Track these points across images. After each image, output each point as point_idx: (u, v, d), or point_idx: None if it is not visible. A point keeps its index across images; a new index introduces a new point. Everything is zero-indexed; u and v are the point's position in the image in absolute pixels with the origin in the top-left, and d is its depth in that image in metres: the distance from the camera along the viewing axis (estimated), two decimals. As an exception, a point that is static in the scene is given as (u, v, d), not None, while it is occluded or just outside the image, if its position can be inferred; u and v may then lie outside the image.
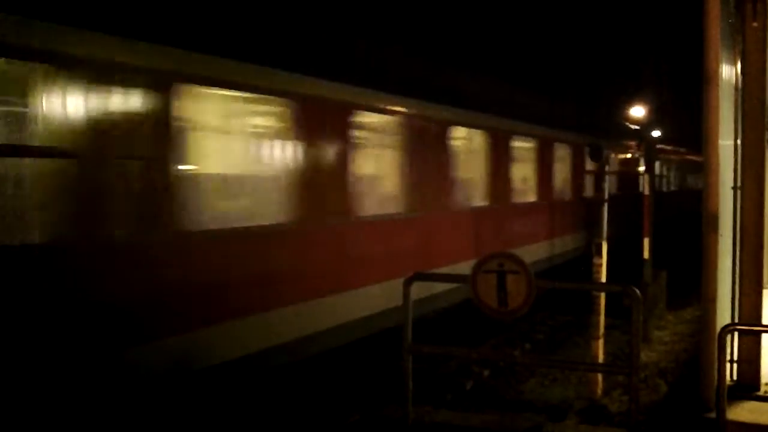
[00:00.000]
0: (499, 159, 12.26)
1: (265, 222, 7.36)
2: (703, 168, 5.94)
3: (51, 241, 5.36)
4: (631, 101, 24.76)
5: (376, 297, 8.74)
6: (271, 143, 7.98)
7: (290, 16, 9.99)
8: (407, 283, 5.52)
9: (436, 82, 12.70)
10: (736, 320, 6.26)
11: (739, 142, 6.42)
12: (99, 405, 5.54)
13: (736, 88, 6.48)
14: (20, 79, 5.24)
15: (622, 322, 7.14)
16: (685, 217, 19.53)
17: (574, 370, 8.79)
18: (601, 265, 8.06)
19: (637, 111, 24.30)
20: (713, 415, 5.35)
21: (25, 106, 5.32)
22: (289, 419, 7.13)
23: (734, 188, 6.34)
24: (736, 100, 6.47)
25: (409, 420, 5.54)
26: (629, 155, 20.79)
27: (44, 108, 5.26)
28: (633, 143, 20.41)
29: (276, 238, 7.44)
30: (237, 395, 6.89)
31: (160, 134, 6.13)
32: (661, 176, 24.71)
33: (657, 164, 22.22)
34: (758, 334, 6.14)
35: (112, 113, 5.66)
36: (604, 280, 8.15)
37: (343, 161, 8.46)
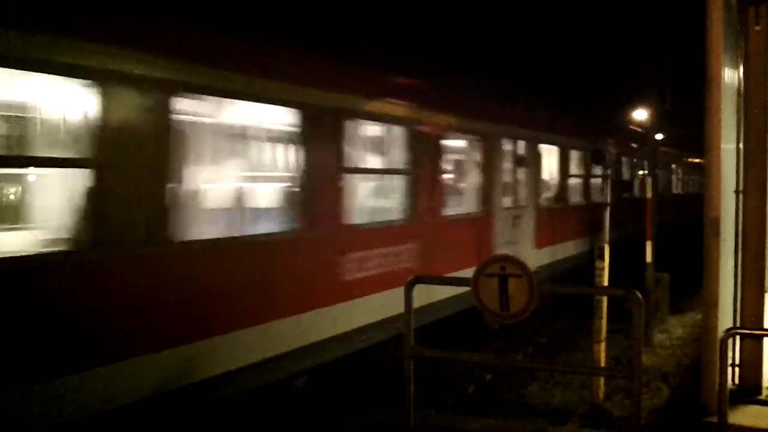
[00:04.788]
0: None
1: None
2: (705, 172, 5.92)
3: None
4: (636, 104, 24.71)
5: None
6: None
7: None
8: (408, 287, 5.51)
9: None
10: (738, 324, 6.25)
11: (741, 145, 6.41)
12: None
13: (738, 92, 6.47)
14: None
15: (625, 325, 7.12)
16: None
17: (576, 374, 8.78)
18: (603, 268, 8.04)
19: (640, 114, 24.21)
20: (714, 419, 5.35)
21: None
22: (293, 424, 7.12)
23: (736, 192, 6.32)
24: (738, 104, 6.46)
25: (410, 424, 5.53)
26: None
27: None
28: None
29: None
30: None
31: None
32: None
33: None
34: (760, 338, 6.14)
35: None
36: (606, 283, 8.13)
37: None
